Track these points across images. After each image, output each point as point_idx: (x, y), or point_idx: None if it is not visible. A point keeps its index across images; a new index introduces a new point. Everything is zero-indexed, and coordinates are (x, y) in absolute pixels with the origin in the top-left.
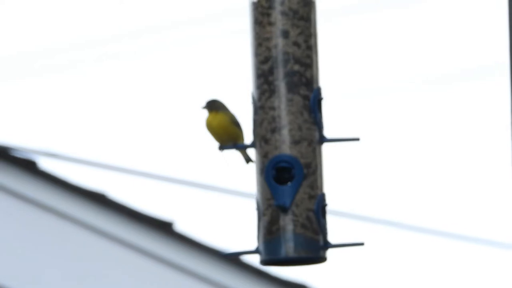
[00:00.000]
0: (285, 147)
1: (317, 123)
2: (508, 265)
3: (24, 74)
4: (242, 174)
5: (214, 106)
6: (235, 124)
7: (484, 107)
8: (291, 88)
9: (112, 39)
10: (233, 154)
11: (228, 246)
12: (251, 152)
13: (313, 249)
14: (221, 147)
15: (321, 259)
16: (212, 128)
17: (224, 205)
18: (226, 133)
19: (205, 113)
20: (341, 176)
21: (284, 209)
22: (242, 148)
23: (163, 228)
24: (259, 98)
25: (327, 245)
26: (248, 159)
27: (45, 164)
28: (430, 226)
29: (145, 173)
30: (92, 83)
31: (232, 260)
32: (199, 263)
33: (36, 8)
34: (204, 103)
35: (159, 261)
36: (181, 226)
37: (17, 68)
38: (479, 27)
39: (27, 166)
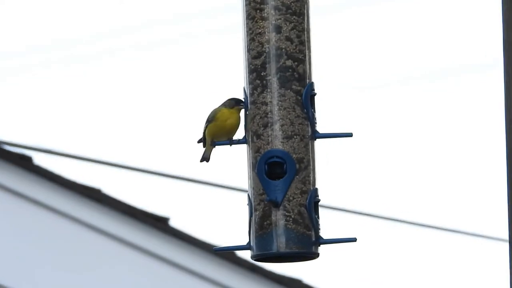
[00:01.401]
0: (277, 142)
1: (310, 118)
2: (499, 258)
3: (18, 70)
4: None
5: (232, 104)
6: None
7: (479, 102)
8: (284, 83)
9: (107, 36)
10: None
11: (225, 241)
12: (215, 150)
13: (305, 244)
14: (213, 142)
15: (313, 254)
16: (227, 123)
17: (221, 200)
18: (233, 131)
19: (214, 106)
20: (333, 172)
21: (276, 204)
22: (236, 144)
23: (158, 223)
24: (251, 93)
25: (319, 241)
26: (205, 158)
27: (40, 159)
28: (424, 220)
29: (140, 168)
30: (86, 80)
31: (228, 255)
32: (194, 259)
33: (31, 5)
34: (233, 102)
35: (154, 256)
36: (177, 222)
37: (11, 65)
38: (473, 23)
39: (22, 162)
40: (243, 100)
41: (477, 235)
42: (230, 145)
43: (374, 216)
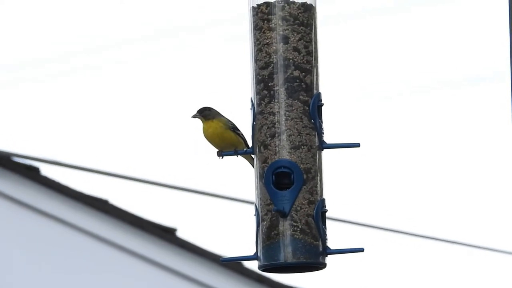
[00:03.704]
0: (284, 152)
1: (317, 128)
2: (505, 270)
3: (26, 81)
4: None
5: (206, 114)
6: (231, 129)
7: (487, 114)
8: (291, 93)
9: (114, 46)
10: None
11: (232, 252)
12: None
13: (313, 254)
14: (220, 153)
15: (320, 265)
16: (208, 136)
17: (228, 211)
18: (222, 139)
19: (200, 121)
20: (341, 182)
21: (284, 215)
22: (242, 154)
23: (166, 234)
24: (259, 104)
25: (327, 251)
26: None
27: (47, 171)
28: (430, 232)
29: (147, 180)
30: (94, 91)
31: (235, 266)
32: (201, 269)
33: (36, 17)
34: (195, 112)
35: (161, 267)
36: (184, 233)
37: (18, 76)
38: (479, 34)
39: (29, 173)
40: (206, 108)
41: (485, 248)
42: (237, 155)
43: (382, 228)
